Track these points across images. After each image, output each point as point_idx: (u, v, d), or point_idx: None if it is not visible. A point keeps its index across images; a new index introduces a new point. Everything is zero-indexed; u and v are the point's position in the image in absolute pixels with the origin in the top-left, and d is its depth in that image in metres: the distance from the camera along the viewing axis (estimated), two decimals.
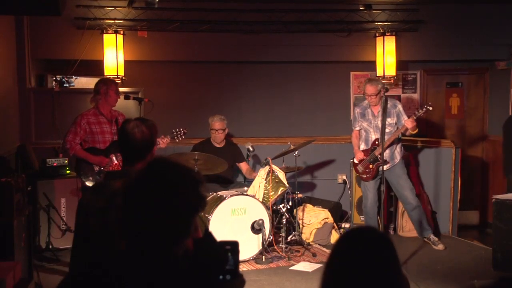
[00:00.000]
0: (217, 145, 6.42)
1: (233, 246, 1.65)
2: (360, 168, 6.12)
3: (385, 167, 5.97)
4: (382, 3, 6.99)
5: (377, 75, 7.01)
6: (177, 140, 5.64)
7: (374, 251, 1.60)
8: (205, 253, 1.64)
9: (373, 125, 6.02)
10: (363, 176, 6.13)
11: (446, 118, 7.84)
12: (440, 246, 6.04)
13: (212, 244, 1.67)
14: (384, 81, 6.88)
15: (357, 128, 6.18)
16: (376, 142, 6.00)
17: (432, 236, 6.11)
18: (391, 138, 5.81)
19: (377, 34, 7.06)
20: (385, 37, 6.99)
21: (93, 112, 5.25)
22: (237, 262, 1.65)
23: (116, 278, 1.55)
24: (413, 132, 5.88)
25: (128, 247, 1.57)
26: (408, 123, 5.71)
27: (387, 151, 5.86)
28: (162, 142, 5.19)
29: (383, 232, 1.73)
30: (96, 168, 5.11)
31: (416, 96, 7.72)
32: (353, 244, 1.64)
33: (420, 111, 5.72)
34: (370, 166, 6.04)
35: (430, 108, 5.77)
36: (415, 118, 5.73)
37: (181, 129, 5.62)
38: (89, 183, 5.09)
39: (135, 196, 1.61)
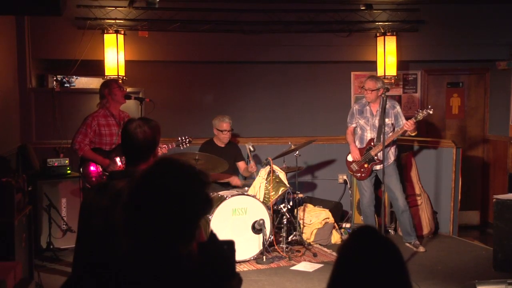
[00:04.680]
0: (220, 145, 6.43)
1: (229, 246, 1.64)
2: (354, 166, 6.13)
3: (378, 167, 5.99)
4: (382, 3, 6.99)
5: (378, 75, 7.00)
6: (182, 148, 5.71)
7: (383, 255, 1.59)
8: (209, 256, 1.63)
9: (370, 124, 6.03)
10: (357, 175, 6.15)
11: (446, 118, 7.84)
12: (421, 248, 6.02)
13: (216, 245, 1.66)
14: (385, 81, 6.88)
15: (353, 125, 6.19)
16: (372, 143, 6.01)
17: (413, 241, 6.08)
18: (388, 139, 5.79)
19: (377, 34, 7.06)
20: (385, 37, 6.99)
21: (103, 113, 5.25)
22: (233, 261, 1.64)
23: (119, 278, 1.55)
24: (413, 134, 5.90)
25: (132, 248, 1.57)
26: (408, 125, 5.71)
27: (380, 154, 5.85)
28: (160, 151, 5.21)
29: (386, 236, 1.70)
30: (100, 169, 5.12)
31: (417, 96, 7.72)
32: (360, 247, 1.62)
33: (421, 114, 5.72)
34: (365, 165, 6.05)
35: (431, 112, 5.77)
36: (415, 121, 5.74)
37: (186, 137, 5.70)
38: (90, 184, 5.10)
39: (139, 196, 1.60)
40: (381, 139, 5.56)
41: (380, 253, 1.59)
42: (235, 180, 6.39)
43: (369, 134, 6.05)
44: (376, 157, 5.97)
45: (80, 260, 2.14)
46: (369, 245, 1.60)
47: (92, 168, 5.12)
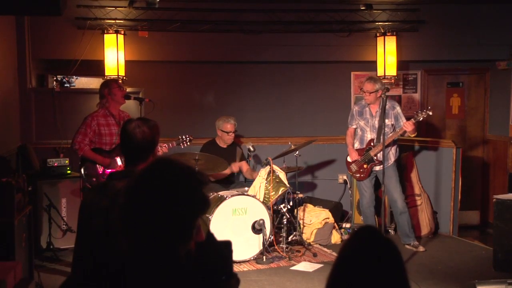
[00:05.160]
0: (222, 146, 6.43)
1: (227, 246, 1.64)
2: (353, 167, 6.13)
3: (378, 168, 5.98)
4: (382, 3, 6.99)
5: (378, 75, 7.00)
6: (182, 146, 5.71)
7: (382, 255, 1.60)
8: (207, 255, 1.63)
9: (370, 125, 6.03)
10: (356, 175, 6.15)
11: (446, 118, 7.84)
12: (421, 248, 6.02)
13: (214, 245, 1.66)
14: (385, 81, 6.88)
15: (353, 126, 6.18)
16: (372, 143, 6.01)
17: (412, 242, 6.08)
18: (388, 140, 5.78)
19: (377, 34, 7.06)
20: (385, 37, 6.99)
21: (102, 113, 5.25)
22: (231, 262, 1.64)
23: (118, 278, 1.55)
24: (412, 135, 5.89)
25: (130, 248, 1.57)
26: (407, 126, 5.71)
27: (380, 155, 5.85)
28: (161, 150, 5.21)
29: (387, 236, 1.70)
30: (100, 169, 5.12)
31: (416, 96, 7.72)
32: (360, 247, 1.63)
33: (420, 115, 5.73)
34: (365, 166, 6.04)
35: (430, 113, 5.79)
36: (414, 122, 5.74)
37: (187, 136, 5.70)
38: (91, 184, 5.10)
39: (137, 196, 1.60)
40: (381, 139, 5.56)
41: (380, 253, 1.59)
42: (235, 167, 6.36)
43: (369, 135, 6.05)
44: (375, 158, 5.97)
45: (80, 260, 2.14)
46: (370, 245, 1.60)
47: (100, 172, 5.12)
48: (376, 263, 1.56)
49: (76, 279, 1.69)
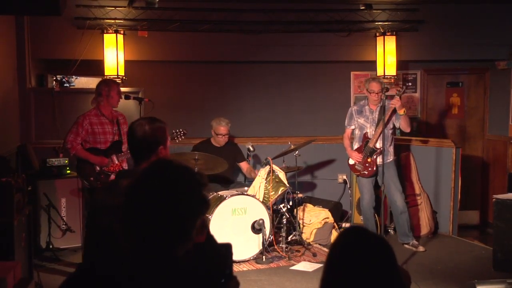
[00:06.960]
0: (218, 145, 6.42)
1: (226, 248, 1.64)
2: (358, 166, 6.07)
3: (379, 161, 5.88)
4: (382, 2, 6.99)
5: (378, 74, 7.01)
6: (177, 141, 5.66)
7: (371, 253, 1.61)
8: (206, 257, 1.63)
9: (370, 119, 5.99)
10: (364, 172, 6.01)
11: (446, 117, 7.84)
12: (421, 248, 6.01)
13: (213, 247, 1.66)
14: (385, 80, 6.87)
15: (352, 127, 6.15)
16: (367, 135, 5.99)
17: (411, 242, 6.08)
18: (381, 125, 5.68)
19: (377, 34, 7.06)
20: (385, 36, 6.99)
21: (94, 112, 5.24)
22: (231, 264, 1.64)
23: (120, 278, 1.55)
24: (401, 113, 5.77)
25: (130, 248, 1.57)
26: (395, 102, 5.71)
27: (379, 142, 5.82)
28: None
29: (378, 234, 1.73)
30: (97, 168, 5.11)
31: (416, 95, 7.72)
32: (349, 246, 1.64)
33: (401, 90, 5.80)
34: (369, 160, 5.99)
35: (404, 89, 5.99)
36: (399, 98, 5.76)
37: (181, 130, 5.63)
38: (89, 184, 5.10)
39: (137, 197, 1.60)
40: (378, 131, 5.59)
41: (370, 248, 1.60)
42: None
43: (369, 131, 6.01)
44: (375, 147, 5.91)
45: (88, 258, 2.15)
46: (359, 242, 1.62)
47: (97, 171, 5.11)
48: (367, 259, 1.57)
49: (78, 277, 1.68)
